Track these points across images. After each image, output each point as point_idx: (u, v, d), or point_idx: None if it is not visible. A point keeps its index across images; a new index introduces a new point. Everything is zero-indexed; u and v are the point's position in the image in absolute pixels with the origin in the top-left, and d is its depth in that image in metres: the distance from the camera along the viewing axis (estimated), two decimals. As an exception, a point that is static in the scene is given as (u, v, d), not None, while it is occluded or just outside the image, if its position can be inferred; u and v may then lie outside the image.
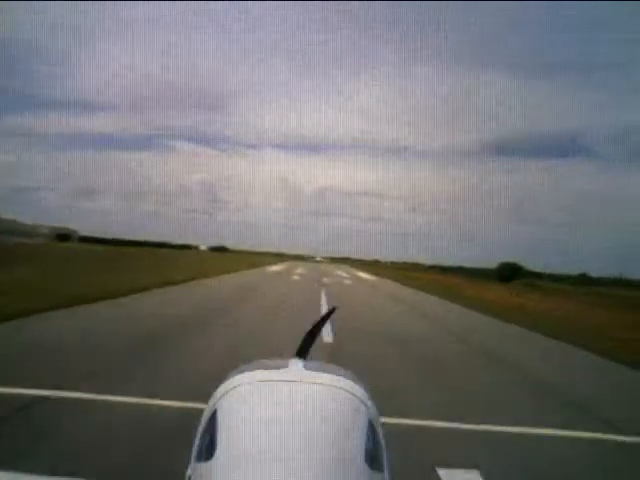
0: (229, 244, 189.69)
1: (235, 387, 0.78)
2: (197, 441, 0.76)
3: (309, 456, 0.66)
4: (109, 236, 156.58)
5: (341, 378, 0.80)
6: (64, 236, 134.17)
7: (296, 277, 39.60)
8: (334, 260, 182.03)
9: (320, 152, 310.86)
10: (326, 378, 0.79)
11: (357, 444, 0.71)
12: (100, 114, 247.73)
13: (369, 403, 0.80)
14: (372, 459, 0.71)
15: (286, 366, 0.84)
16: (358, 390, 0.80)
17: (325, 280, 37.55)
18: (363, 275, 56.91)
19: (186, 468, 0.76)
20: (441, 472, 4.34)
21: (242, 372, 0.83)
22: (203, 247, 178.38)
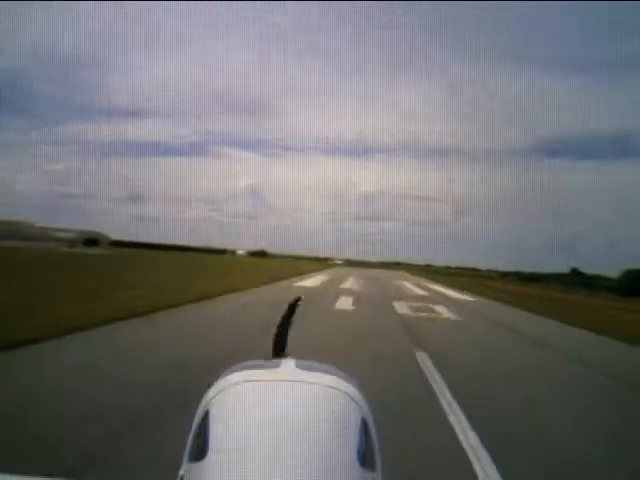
0: (273, 249, 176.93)
1: (228, 387, 0.77)
2: (190, 441, 0.76)
3: (302, 455, 0.65)
4: (155, 241, 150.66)
5: (334, 377, 0.79)
6: (93, 241, 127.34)
7: (346, 300, 22.88)
8: (383, 265, 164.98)
9: (366, 155, 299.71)
10: (319, 377, 0.78)
11: (350, 443, 0.70)
12: (148, 121, 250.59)
13: (362, 402, 0.78)
14: (365, 458, 0.71)
15: (279, 365, 0.81)
16: (351, 389, 0.78)
17: (405, 311, 20.51)
18: (445, 291, 39.22)
19: (179, 468, 0.77)
20: None
21: (235, 372, 0.81)
22: (241, 252, 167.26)
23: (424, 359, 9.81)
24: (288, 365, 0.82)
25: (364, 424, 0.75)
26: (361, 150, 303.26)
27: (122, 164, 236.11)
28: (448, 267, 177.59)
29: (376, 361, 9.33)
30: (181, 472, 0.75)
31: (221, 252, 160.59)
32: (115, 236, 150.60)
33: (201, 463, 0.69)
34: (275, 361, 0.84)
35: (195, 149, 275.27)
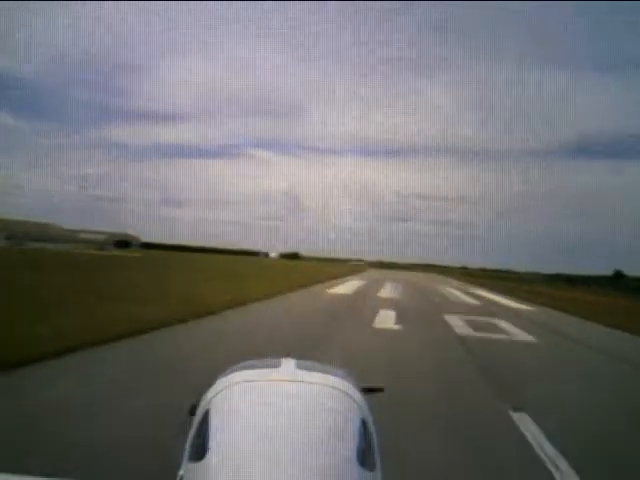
0: (305, 251, 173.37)
1: (228, 387, 0.79)
2: (189, 441, 0.77)
3: (301, 455, 0.66)
4: (187, 243, 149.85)
5: (333, 377, 0.81)
6: (124, 243, 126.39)
7: (387, 314, 18.85)
8: (416, 267, 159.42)
9: (397, 156, 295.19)
10: (318, 377, 0.80)
11: (349, 443, 0.71)
12: (178, 125, 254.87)
13: (361, 402, 0.80)
14: (364, 458, 0.72)
15: (279, 365, 0.83)
16: (350, 389, 0.80)
17: (463, 330, 16.41)
18: (497, 298, 34.78)
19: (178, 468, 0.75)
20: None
21: (234, 372, 0.83)
22: (273, 254, 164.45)
23: (536, 436, 5.68)
24: (288, 365, 0.84)
25: (363, 424, 0.77)
26: (392, 151, 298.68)
27: (153, 167, 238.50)
28: (484, 269, 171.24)
29: (451, 444, 5.27)
30: (181, 472, 0.77)
31: (254, 254, 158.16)
32: (147, 238, 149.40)
33: (201, 463, 0.70)
34: (275, 361, 0.85)
35: (226, 152, 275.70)
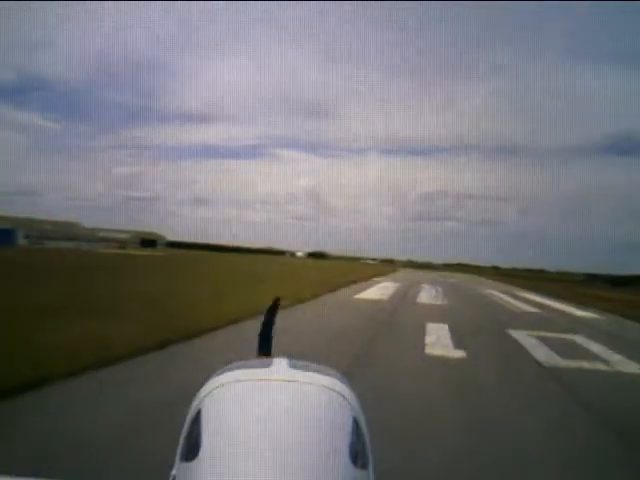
0: (332, 250, 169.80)
1: (220, 386, 0.78)
2: (182, 441, 0.77)
3: (293, 454, 0.67)
4: (214, 242, 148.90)
5: (326, 376, 0.80)
6: (150, 242, 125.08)
7: (436, 331, 15.03)
8: (447, 267, 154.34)
9: (425, 155, 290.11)
10: (311, 376, 0.79)
11: (341, 442, 0.71)
12: (209, 125, 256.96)
13: (353, 401, 0.79)
14: (356, 456, 0.72)
15: (270, 365, 0.82)
16: (343, 388, 0.79)
17: (548, 357, 12.36)
18: (553, 304, 30.62)
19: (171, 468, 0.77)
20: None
21: (226, 371, 0.81)
22: (300, 253, 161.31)
23: None
24: (280, 364, 0.82)
25: (356, 422, 0.75)
26: (419, 150, 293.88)
27: (182, 167, 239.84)
28: (515, 269, 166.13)
29: None
30: (173, 472, 0.76)
31: (280, 253, 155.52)
32: (174, 237, 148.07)
33: (193, 463, 0.69)
34: (267, 360, 0.84)
35: (253, 152, 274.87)
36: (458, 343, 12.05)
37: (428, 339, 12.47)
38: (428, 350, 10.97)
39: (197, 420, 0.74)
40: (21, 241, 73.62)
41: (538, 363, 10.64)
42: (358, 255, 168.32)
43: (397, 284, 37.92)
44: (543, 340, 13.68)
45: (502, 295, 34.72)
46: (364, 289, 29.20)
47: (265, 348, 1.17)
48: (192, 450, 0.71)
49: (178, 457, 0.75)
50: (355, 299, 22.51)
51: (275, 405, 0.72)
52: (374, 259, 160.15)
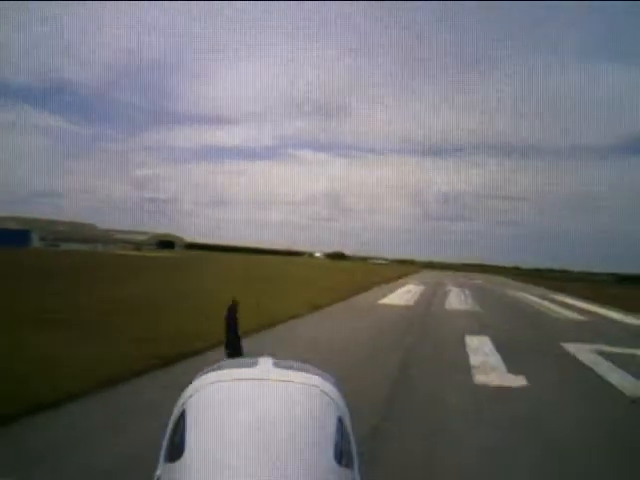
0: (350, 251, 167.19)
1: (204, 386, 0.78)
2: (166, 441, 0.77)
3: (279, 454, 0.67)
4: (233, 243, 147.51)
5: (311, 375, 0.80)
6: (168, 243, 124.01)
7: (484, 352, 12.73)
8: (467, 267, 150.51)
9: (442, 154, 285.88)
10: (296, 376, 0.79)
11: (327, 441, 0.72)
12: (227, 127, 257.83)
13: (339, 400, 0.79)
14: (341, 456, 0.72)
15: (255, 364, 0.82)
16: (327, 387, 0.80)
17: None
18: (599, 311, 27.89)
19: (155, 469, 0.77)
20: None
21: (211, 371, 0.81)
22: (318, 254, 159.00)
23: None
24: (265, 364, 0.82)
25: (340, 421, 0.76)
26: (437, 149, 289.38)
27: (201, 169, 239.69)
28: (538, 269, 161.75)
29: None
30: (157, 473, 0.76)
31: (299, 254, 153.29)
32: (193, 239, 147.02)
33: (177, 463, 0.69)
34: (252, 360, 0.84)
35: (271, 153, 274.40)
36: (511, 364, 9.73)
37: (473, 359, 10.17)
38: (478, 377, 8.66)
39: (181, 420, 0.74)
40: (36, 243, 72.37)
41: (621, 392, 8.29)
42: (376, 255, 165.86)
43: (421, 287, 35.50)
44: (609, 358, 11.29)
45: (535, 298, 32.11)
46: (387, 293, 26.87)
47: (232, 348, 1.21)
48: (176, 451, 0.70)
49: (162, 458, 0.75)
50: (379, 305, 20.20)
51: (260, 405, 0.72)
52: (385, 259, 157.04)
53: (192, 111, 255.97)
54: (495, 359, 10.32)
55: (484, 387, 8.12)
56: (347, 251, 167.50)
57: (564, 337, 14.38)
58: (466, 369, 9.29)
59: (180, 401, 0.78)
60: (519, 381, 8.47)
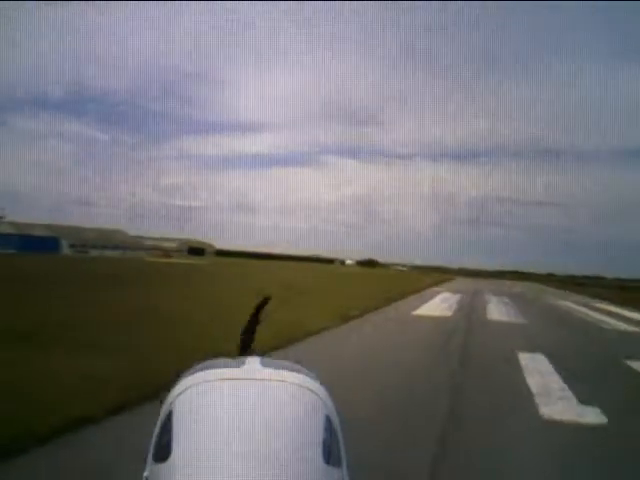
0: (382, 258, 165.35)
1: (191, 386, 0.77)
2: (153, 442, 0.76)
3: (266, 453, 0.66)
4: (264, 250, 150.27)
5: (298, 374, 0.80)
6: (198, 250, 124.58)
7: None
8: (500, 274, 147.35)
9: (471, 159, 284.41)
10: (283, 375, 0.79)
11: (314, 440, 0.71)
12: (257, 134, 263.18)
13: (326, 399, 0.79)
14: (329, 454, 0.72)
15: (243, 364, 0.81)
16: (315, 386, 0.79)
17: None
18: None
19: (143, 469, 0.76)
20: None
21: (198, 371, 0.80)
22: (349, 261, 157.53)
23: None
24: (253, 363, 0.81)
25: (328, 421, 0.75)
26: (466, 154, 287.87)
27: (231, 176, 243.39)
28: (572, 276, 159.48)
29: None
30: (146, 473, 0.75)
31: (329, 262, 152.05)
32: (223, 245, 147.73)
33: (165, 464, 0.68)
34: (239, 359, 0.83)
35: (302, 159, 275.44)
36: (578, 391, 8.05)
37: (532, 384, 8.51)
38: (544, 410, 6.99)
39: (169, 421, 0.73)
40: (66, 250, 72.56)
41: None
42: (407, 263, 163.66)
43: (457, 295, 33.61)
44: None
45: (582, 308, 29.90)
46: (422, 302, 25.17)
47: (246, 347, 1.08)
48: (164, 451, 0.70)
49: (150, 458, 0.74)
50: (414, 317, 18.53)
51: (247, 404, 0.71)
52: (403, 265, 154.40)
53: (221, 119, 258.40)
54: (558, 383, 8.66)
55: (553, 423, 6.49)
56: (379, 258, 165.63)
57: (626, 352, 12.59)
58: (525, 397, 7.66)
59: (167, 401, 0.76)
60: (595, 416, 6.81)
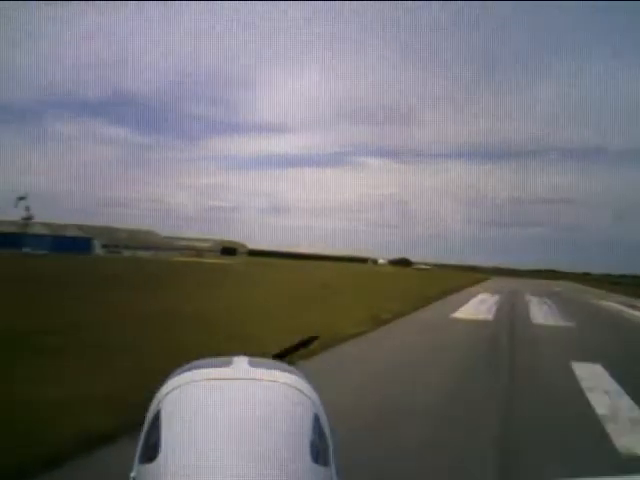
0: (415, 257, 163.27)
1: (179, 386, 0.76)
2: (140, 443, 0.76)
3: (254, 453, 0.66)
4: (297, 250, 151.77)
5: (286, 374, 0.80)
6: (230, 250, 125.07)
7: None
8: (535, 273, 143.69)
9: (504, 159, 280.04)
10: (271, 374, 0.79)
11: (303, 439, 0.71)
12: (290, 135, 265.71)
13: (315, 398, 0.79)
14: (318, 454, 0.72)
15: (231, 364, 0.81)
16: (303, 385, 0.79)
17: None
18: None
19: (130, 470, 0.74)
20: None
21: (186, 371, 0.80)
22: (382, 261, 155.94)
23: None
24: (240, 363, 0.81)
25: (316, 420, 0.75)
26: (499, 154, 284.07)
27: (264, 177, 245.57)
28: (609, 275, 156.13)
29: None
30: (133, 474, 0.74)
31: (362, 261, 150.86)
32: (258, 246, 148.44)
33: (152, 464, 0.68)
34: (227, 359, 0.82)
35: (334, 160, 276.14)
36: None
37: (596, 404, 7.30)
38: (620, 442, 5.79)
39: (156, 421, 0.72)
40: (98, 250, 73.05)
41: None
42: (441, 262, 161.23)
43: (495, 296, 32.11)
44: None
45: (624, 308, 28.22)
46: (460, 303, 23.86)
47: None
48: (151, 451, 0.69)
49: (137, 459, 0.73)
50: (453, 320, 17.29)
51: (235, 404, 0.71)
52: (427, 264, 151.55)
53: (253, 120, 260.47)
54: (626, 402, 7.46)
55: (635, 459, 5.32)
56: (412, 257, 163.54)
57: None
58: (594, 423, 6.49)
59: (155, 401, 0.75)
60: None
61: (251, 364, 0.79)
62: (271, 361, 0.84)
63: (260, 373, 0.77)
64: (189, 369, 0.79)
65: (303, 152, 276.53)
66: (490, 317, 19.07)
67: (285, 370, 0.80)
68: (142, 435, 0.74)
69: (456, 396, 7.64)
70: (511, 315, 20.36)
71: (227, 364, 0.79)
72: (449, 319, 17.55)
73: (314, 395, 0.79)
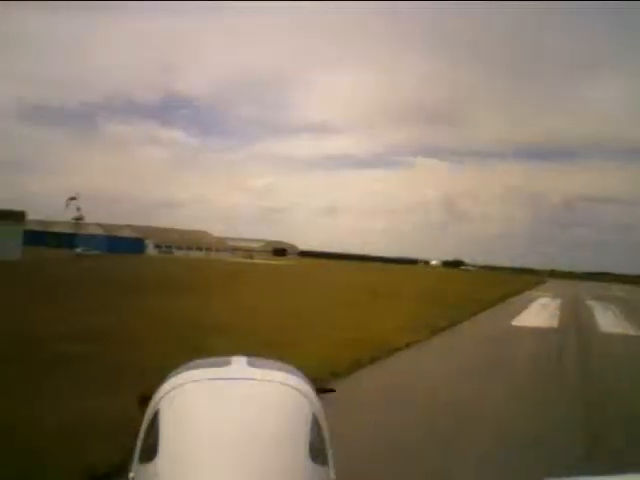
0: (467, 258, 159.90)
1: (178, 386, 0.76)
2: (139, 442, 0.76)
3: (253, 453, 0.66)
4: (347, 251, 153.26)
5: (284, 374, 0.80)
6: (281, 251, 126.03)
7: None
8: (590, 276, 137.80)
9: (556, 158, 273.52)
10: (269, 374, 0.79)
11: (301, 439, 0.71)
12: (341, 136, 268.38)
13: (313, 398, 0.79)
14: (316, 453, 0.72)
15: (229, 364, 0.82)
16: (302, 385, 0.79)
17: None
18: None
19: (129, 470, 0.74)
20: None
21: (185, 371, 0.80)
22: (434, 262, 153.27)
23: None
24: (238, 363, 0.81)
25: (315, 420, 0.75)
26: (551, 153, 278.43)
27: (314, 178, 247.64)
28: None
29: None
30: (131, 474, 0.74)
31: (412, 262, 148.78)
32: (308, 247, 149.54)
33: (150, 464, 0.68)
34: (225, 359, 0.82)
35: (384, 160, 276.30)
36: None
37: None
38: None
39: (154, 421, 0.72)
40: (151, 250, 73.98)
41: None
42: (493, 263, 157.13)
43: (557, 300, 30.45)
44: None
45: None
46: (520, 308, 22.52)
47: None
48: (150, 451, 0.69)
49: (136, 459, 0.74)
50: (515, 328, 16.04)
51: (233, 404, 0.71)
52: (473, 266, 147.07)
53: (305, 121, 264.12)
54: None
55: None
56: (466, 259, 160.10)
57: None
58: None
59: (153, 401, 0.75)
60: None
61: (249, 364, 0.79)
62: (269, 361, 0.83)
63: (258, 373, 0.77)
64: (187, 369, 0.78)
65: (352, 152, 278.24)
66: (555, 324, 17.68)
67: (283, 370, 0.80)
68: (140, 434, 0.74)
69: (508, 437, 6.59)
70: (577, 322, 18.95)
71: (225, 364, 0.79)
72: (511, 326, 16.39)
73: (312, 395, 0.78)
